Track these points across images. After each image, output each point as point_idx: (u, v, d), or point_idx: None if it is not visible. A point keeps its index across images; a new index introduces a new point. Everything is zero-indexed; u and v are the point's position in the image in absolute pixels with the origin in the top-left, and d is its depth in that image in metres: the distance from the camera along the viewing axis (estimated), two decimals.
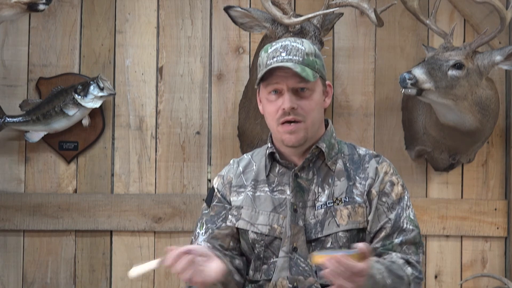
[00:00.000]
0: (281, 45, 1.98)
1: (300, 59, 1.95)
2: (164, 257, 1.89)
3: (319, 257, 1.76)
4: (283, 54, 1.96)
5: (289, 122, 1.97)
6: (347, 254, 1.75)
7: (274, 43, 2.01)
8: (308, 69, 1.95)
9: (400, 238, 1.97)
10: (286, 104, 1.94)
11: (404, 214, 2.00)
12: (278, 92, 1.97)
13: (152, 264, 1.91)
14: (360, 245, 1.77)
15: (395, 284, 1.87)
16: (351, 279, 1.74)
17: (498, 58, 2.88)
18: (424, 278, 3.30)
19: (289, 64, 1.93)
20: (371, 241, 1.98)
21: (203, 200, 3.15)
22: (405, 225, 1.99)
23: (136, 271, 1.92)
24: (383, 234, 1.98)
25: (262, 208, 2.02)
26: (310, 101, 1.97)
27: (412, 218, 2.01)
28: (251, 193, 2.05)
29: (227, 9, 2.90)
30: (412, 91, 2.82)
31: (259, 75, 1.97)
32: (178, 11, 3.33)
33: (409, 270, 1.93)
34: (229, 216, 2.06)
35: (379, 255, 1.97)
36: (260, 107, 2.07)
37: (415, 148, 3.30)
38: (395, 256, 1.95)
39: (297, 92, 1.96)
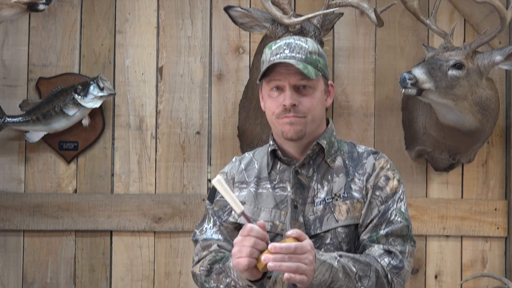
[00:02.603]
0: (285, 43, 2.00)
1: (303, 56, 1.97)
2: (244, 209, 1.83)
3: (260, 264, 1.77)
4: (287, 51, 1.97)
5: None
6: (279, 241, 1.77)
7: (278, 41, 2.03)
8: (310, 67, 1.96)
9: (386, 230, 1.96)
10: (287, 100, 1.96)
11: (394, 206, 1.99)
12: (280, 89, 1.98)
13: (234, 200, 1.82)
14: (289, 232, 1.78)
15: (364, 272, 1.87)
16: (295, 259, 1.73)
17: (498, 58, 2.88)
18: (423, 275, 3.32)
19: (291, 61, 1.94)
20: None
21: (203, 200, 3.19)
22: (393, 217, 1.98)
23: (220, 184, 1.83)
24: (371, 225, 1.98)
25: (264, 204, 2.03)
26: (311, 99, 1.98)
27: (403, 211, 2.00)
28: (254, 189, 2.06)
29: (227, 9, 2.90)
30: (412, 91, 2.82)
31: (262, 70, 1.98)
32: (178, 11, 3.33)
33: (385, 260, 1.93)
34: (232, 212, 2.07)
35: (364, 247, 1.97)
36: (262, 104, 2.08)
37: (415, 148, 3.30)
38: (376, 248, 1.95)
39: (299, 89, 1.97)
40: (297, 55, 1.96)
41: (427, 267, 3.32)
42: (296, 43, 1.99)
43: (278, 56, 1.97)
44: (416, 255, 3.28)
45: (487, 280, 3.29)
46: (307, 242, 1.77)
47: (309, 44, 2.00)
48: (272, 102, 2.00)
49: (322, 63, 2.01)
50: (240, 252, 1.78)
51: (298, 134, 1.99)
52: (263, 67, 2.00)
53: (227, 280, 1.94)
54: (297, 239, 1.77)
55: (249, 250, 1.76)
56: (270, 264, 1.73)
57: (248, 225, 1.79)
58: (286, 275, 1.74)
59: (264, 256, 1.74)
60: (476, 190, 3.35)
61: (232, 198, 1.83)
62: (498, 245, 3.33)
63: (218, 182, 1.84)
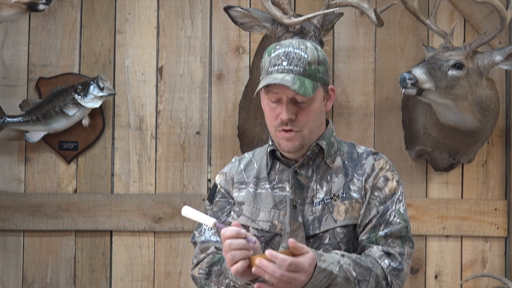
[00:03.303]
0: (284, 52, 1.96)
1: (301, 69, 1.93)
2: (219, 221, 1.82)
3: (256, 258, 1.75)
4: (284, 63, 1.93)
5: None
6: (280, 251, 1.75)
7: (278, 47, 1.98)
8: (308, 81, 1.93)
9: (385, 231, 1.96)
10: (284, 115, 1.95)
11: (393, 207, 1.99)
12: (278, 100, 1.97)
13: (205, 218, 1.83)
14: (290, 240, 1.75)
15: (364, 276, 1.86)
16: (285, 277, 1.71)
17: (498, 58, 2.88)
18: (423, 275, 3.32)
19: (288, 79, 1.90)
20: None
21: (203, 200, 3.19)
22: (392, 218, 1.97)
23: (188, 211, 1.85)
24: (369, 226, 1.97)
25: (263, 204, 2.03)
26: (309, 112, 1.97)
27: (402, 212, 1.99)
28: (253, 189, 2.05)
29: (227, 9, 2.90)
30: (412, 91, 2.82)
31: (260, 85, 1.96)
32: (178, 11, 3.33)
33: (385, 262, 1.92)
34: (232, 213, 2.07)
35: (363, 248, 1.97)
36: (262, 104, 2.07)
37: (415, 148, 3.30)
38: (375, 249, 1.94)
39: (297, 102, 1.95)
40: (295, 68, 1.93)
41: (427, 267, 3.32)
42: (295, 53, 1.95)
43: (276, 68, 1.94)
44: (416, 255, 3.28)
45: (487, 280, 3.29)
46: (306, 260, 1.74)
47: (308, 52, 1.95)
48: (270, 113, 1.99)
49: (322, 71, 1.98)
50: (227, 262, 1.78)
51: (295, 149, 1.99)
52: (262, 74, 1.98)
53: (226, 281, 1.94)
54: (294, 253, 1.74)
55: (231, 257, 1.75)
56: (253, 269, 1.72)
57: (222, 231, 1.78)
58: (256, 284, 1.74)
59: (258, 260, 1.72)
60: (476, 190, 3.35)
61: (201, 216, 1.84)
62: (498, 245, 3.33)
63: (185, 211, 1.86)
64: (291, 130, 1.97)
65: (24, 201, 3.24)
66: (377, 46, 3.35)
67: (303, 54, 1.95)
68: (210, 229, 2.09)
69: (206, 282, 2.01)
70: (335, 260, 1.83)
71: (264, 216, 2.02)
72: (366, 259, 1.91)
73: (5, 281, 3.25)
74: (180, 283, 3.28)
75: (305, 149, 2.02)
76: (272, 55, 1.97)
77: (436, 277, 3.32)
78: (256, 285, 1.74)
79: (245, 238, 1.76)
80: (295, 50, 1.96)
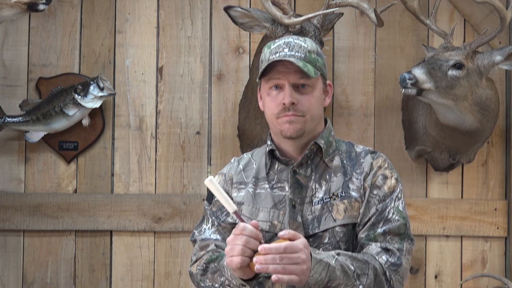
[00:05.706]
0: (284, 42, 2.01)
1: (302, 55, 1.98)
2: (240, 209, 1.81)
3: (253, 264, 1.76)
4: (286, 50, 1.98)
5: None
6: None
7: (277, 40, 2.04)
8: (309, 65, 1.97)
9: (384, 228, 1.96)
10: (286, 99, 1.96)
11: (392, 205, 1.99)
12: (279, 88, 1.99)
13: (226, 200, 1.82)
14: (281, 233, 1.77)
15: (362, 270, 1.86)
16: (286, 260, 1.72)
17: (498, 58, 2.88)
18: (423, 275, 3.32)
19: (291, 59, 1.94)
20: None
21: (203, 200, 3.19)
22: (390, 215, 1.98)
23: (212, 184, 1.84)
24: (368, 224, 1.98)
25: (262, 204, 2.03)
26: (310, 97, 1.99)
27: (401, 209, 2.00)
28: (252, 190, 2.06)
29: (227, 9, 2.90)
30: (412, 91, 2.82)
31: (261, 69, 1.98)
32: (178, 11, 3.33)
33: (383, 258, 1.92)
34: None
35: (362, 246, 1.97)
36: (260, 104, 2.08)
37: (415, 148, 3.30)
38: (373, 246, 1.94)
39: (298, 88, 1.98)
40: (297, 53, 1.97)
41: (427, 267, 3.32)
42: (295, 42, 2.00)
43: (277, 55, 1.98)
44: (416, 255, 3.28)
45: (487, 280, 3.29)
46: (300, 241, 1.76)
47: (308, 43, 2.01)
48: (271, 101, 2.01)
49: (320, 62, 2.02)
50: (232, 250, 1.78)
51: (297, 133, 1.99)
52: (262, 66, 2.00)
53: (222, 279, 1.94)
54: (290, 239, 1.76)
55: (241, 249, 1.76)
56: (257, 266, 1.73)
57: (241, 224, 1.79)
58: (273, 276, 1.73)
59: (255, 258, 1.74)
60: (476, 190, 3.35)
61: (225, 197, 1.83)
62: (498, 245, 3.33)
63: (210, 182, 1.85)
64: (293, 115, 1.98)
65: (24, 201, 3.24)
66: (377, 46, 3.35)
67: (303, 43, 2.01)
68: (210, 228, 2.09)
69: (201, 278, 2.02)
70: (330, 254, 1.85)
71: (263, 216, 2.02)
72: (363, 255, 1.91)
73: (5, 281, 3.25)
74: (180, 283, 3.28)
75: (306, 138, 2.02)
76: (272, 46, 2.02)
77: (436, 277, 3.32)
78: (273, 278, 1.73)
79: (260, 242, 1.78)
80: (295, 40, 2.01)
